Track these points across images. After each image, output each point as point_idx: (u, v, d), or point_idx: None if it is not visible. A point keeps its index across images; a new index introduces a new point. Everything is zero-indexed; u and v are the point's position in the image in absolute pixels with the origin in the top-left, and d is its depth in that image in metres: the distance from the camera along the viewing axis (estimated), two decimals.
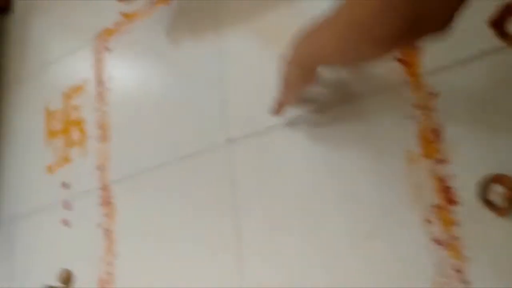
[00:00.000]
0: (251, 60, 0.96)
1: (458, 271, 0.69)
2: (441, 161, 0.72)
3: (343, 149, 0.81)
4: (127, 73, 1.16)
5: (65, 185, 1.21)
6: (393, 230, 0.74)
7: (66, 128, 1.25)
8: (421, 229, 0.72)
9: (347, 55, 0.65)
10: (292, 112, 0.87)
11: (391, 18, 0.53)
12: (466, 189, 0.70)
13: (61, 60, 1.31)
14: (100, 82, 1.20)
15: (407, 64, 0.78)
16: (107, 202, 1.12)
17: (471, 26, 0.72)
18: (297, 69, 0.74)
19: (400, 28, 0.54)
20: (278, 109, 0.86)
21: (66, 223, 1.19)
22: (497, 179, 0.68)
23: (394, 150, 0.76)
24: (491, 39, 0.71)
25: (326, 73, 0.83)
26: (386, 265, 0.74)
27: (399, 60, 0.78)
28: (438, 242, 0.71)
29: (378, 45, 0.58)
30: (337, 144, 0.82)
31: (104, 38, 1.21)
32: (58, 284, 1.15)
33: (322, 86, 0.84)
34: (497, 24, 0.71)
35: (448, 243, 0.70)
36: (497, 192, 0.68)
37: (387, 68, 0.79)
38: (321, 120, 0.84)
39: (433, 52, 0.76)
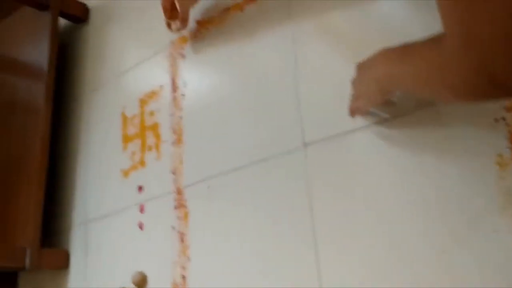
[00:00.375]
0: (326, 63, 0.96)
1: None
2: None
3: (426, 153, 0.79)
4: (201, 78, 1.18)
5: (140, 189, 1.24)
6: (481, 237, 0.71)
7: (141, 133, 1.28)
8: None
9: (424, 91, 0.67)
10: (372, 115, 0.86)
11: (464, 71, 0.52)
12: None
13: (137, 67, 1.35)
14: (175, 87, 1.22)
15: None
16: (181, 205, 1.13)
17: None
18: (375, 84, 0.75)
19: (473, 84, 0.52)
20: (352, 114, 0.86)
21: (140, 226, 1.21)
22: None
23: (483, 154, 0.73)
24: None
25: None
26: (473, 274, 0.72)
27: None
28: None
29: (454, 93, 0.57)
30: (419, 148, 0.80)
31: (179, 45, 1.24)
32: (132, 286, 1.17)
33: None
34: None
35: None
36: None
37: None
38: (403, 123, 0.83)
39: None
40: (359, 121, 0.87)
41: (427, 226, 0.77)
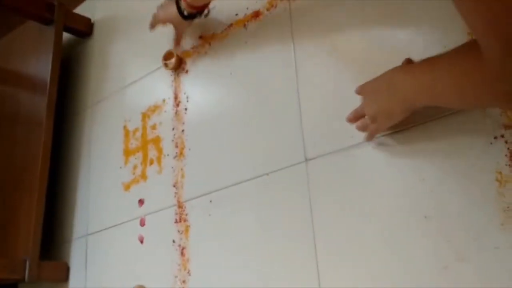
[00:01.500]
0: (327, 80, 0.97)
1: None
2: None
3: (427, 169, 0.80)
4: (204, 93, 1.19)
5: (140, 202, 1.24)
6: (483, 254, 0.72)
7: (143, 147, 1.28)
8: None
9: (466, 102, 0.66)
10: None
11: None
12: None
13: (140, 81, 1.36)
14: (177, 102, 1.23)
15: None
16: (181, 219, 1.13)
17: None
18: (400, 101, 0.75)
19: None
20: (370, 138, 0.86)
21: (141, 239, 1.21)
22: None
23: (483, 171, 0.74)
24: None
25: None
26: None
27: None
28: None
29: (506, 101, 0.58)
30: (420, 164, 0.81)
31: (182, 60, 1.25)
32: None
33: None
34: None
35: None
36: None
37: None
38: (404, 139, 0.84)
39: None
40: (360, 136, 0.88)
41: (428, 242, 0.77)
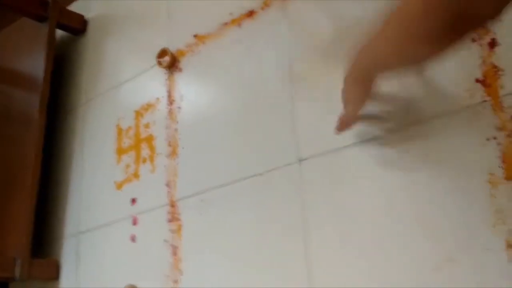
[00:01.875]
0: (321, 79, 0.97)
1: None
2: None
3: (419, 170, 0.80)
4: (198, 92, 1.19)
5: (133, 201, 1.24)
6: (475, 254, 0.72)
7: (136, 145, 1.28)
8: (505, 254, 0.70)
9: (402, 57, 0.66)
10: (365, 131, 0.87)
11: (434, 15, 0.55)
12: None
13: (134, 79, 1.35)
14: (171, 100, 1.23)
15: (487, 84, 0.76)
16: (174, 218, 1.13)
17: None
18: (357, 84, 0.75)
19: (445, 24, 0.55)
20: (342, 127, 0.86)
21: (133, 238, 1.21)
22: None
23: (475, 173, 0.74)
24: None
25: (399, 91, 0.83)
26: None
27: (478, 81, 0.77)
28: None
29: (427, 42, 0.59)
30: (413, 165, 0.81)
31: (176, 58, 1.25)
32: None
33: (395, 105, 0.84)
34: None
35: None
36: None
37: (465, 88, 0.78)
38: (397, 140, 0.84)
39: None
40: (353, 137, 0.88)
41: (419, 244, 0.77)
